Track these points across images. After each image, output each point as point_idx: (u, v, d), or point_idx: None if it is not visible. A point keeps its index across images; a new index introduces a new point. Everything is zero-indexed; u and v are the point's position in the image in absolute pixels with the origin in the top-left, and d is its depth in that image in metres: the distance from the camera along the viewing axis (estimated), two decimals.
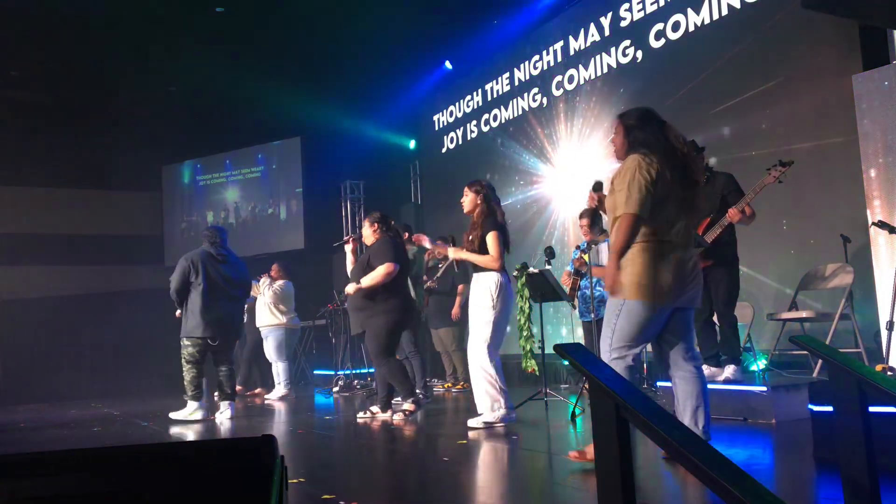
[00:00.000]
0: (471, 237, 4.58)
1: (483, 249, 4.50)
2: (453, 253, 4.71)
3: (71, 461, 1.36)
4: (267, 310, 8.04)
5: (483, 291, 4.49)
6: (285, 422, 5.86)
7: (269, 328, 8.05)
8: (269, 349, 8.09)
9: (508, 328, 4.85)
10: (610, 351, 3.08)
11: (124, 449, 1.45)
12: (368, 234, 5.54)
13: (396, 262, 5.24)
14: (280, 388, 8.00)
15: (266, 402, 7.71)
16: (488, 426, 4.42)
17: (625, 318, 3.01)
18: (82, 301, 10.53)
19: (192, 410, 6.00)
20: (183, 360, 6.03)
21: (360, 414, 5.44)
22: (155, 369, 6.20)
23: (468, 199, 4.66)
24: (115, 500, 1.34)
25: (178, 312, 6.11)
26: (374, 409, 5.41)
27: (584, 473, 3.05)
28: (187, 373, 6.00)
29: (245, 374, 8.70)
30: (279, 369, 8.06)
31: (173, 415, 6.03)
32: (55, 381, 10.13)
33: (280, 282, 8.15)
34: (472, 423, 4.48)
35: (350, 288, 5.28)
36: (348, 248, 6.02)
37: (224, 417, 6.02)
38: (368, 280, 5.21)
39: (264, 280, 8.15)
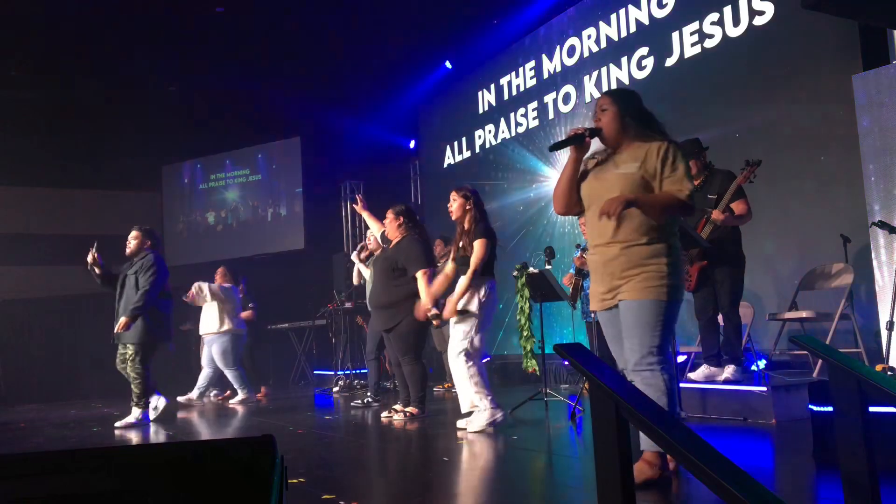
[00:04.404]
0: (462, 244, 4.53)
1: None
2: (449, 313, 4.46)
3: (71, 461, 1.36)
4: (212, 316, 7.74)
5: (470, 295, 4.42)
6: (285, 422, 5.86)
7: (214, 336, 7.73)
8: (216, 357, 7.72)
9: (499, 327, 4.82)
10: (659, 357, 2.78)
11: (124, 449, 1.45)
12: (392, 227, 5.42)
13: (430, 265, 5.14)
14: (240, 394, 7.72)
15: (230, 405, 7.51)
16: (492, 423, 4.35)
17: (673, 319, 2.84)
18: (82, 301, 10.51)
19: (138, 415, 5.94)
20: (139, 366, 5.91)
21: (385, 414, 5.40)
22: (154, 369, 6.21)
23: (456, 205, 4.57)
24: (115, 500, 1.34)
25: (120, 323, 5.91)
26: (410, 409, 5.28)
27: (583, 473, 3.05)
28: (143, 380, 5.91)
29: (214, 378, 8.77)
30: (231, 377, 7.72)
31: (121, 422, 5.87)
32: (55, 381, 10.13)
33: (227, 286, 7.92)
34: (465, 425, 4.38)
35: (423, 312, 4.90)
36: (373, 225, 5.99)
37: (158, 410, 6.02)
38: (424, 295, 4.92)
39: (208, 285, 7.88)
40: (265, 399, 8.01)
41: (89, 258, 6.12)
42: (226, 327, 7.69)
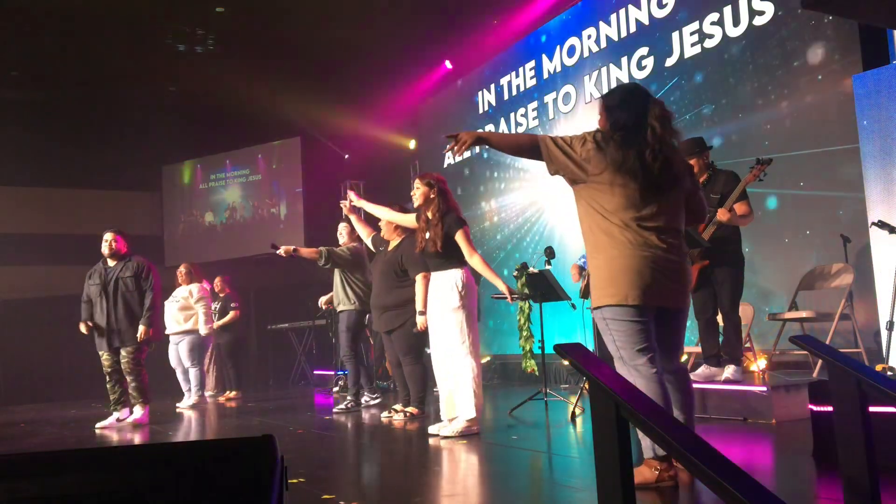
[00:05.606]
0: (428, 235, 4.35)
1: (448, 248, 4.29)
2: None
3: (71, 461, 1.36)
4: (178, 315, 7.76)
5: (448, 290, 4.29)
6: (285, 422, 5.86)
7: (180, 334, 7.76)
8: (184, 354, 7.77)
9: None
10: (625, 364, 2.70)
11: (124, 449, 1.45)
12: (388, 228, 5.39)
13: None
14: (193, 395, 7.72)
15: (177, 409, 7.44)
16: (467, 430, 4.22)
17: (617, 322, 2.70)
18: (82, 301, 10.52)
19: (141, 413, 5.97)
20: (138, 367, 5.96)
21: (385, 414, 5.41)
22: (154, 369, 6.22)
23: (419, 193, 4.39)
24: (115, 500, 1.34)
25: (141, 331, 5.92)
26: (410, 409, 5.29)
27: (584, 473, 3.05)
28: (143, 378, 5.98)
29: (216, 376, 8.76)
30: (193, 375, 7.75)
31: (126, 423, 5.91)
32: (55, 381, 10.13)
33: (194, 285, 7.94)
34: (443, 430, 4.24)
35: (420, 322, 4.93)
36: (355, 220, 5.87)
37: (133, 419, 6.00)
38: (420, 301, 4.95)
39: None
40: (234, 403, 7.93)
41: (83, 328, 6.10)
42: (193, 326, 7.72)
